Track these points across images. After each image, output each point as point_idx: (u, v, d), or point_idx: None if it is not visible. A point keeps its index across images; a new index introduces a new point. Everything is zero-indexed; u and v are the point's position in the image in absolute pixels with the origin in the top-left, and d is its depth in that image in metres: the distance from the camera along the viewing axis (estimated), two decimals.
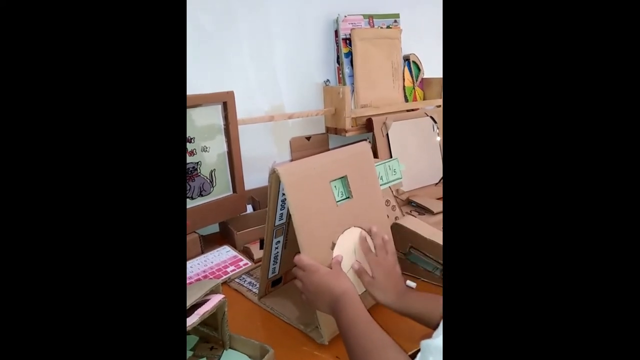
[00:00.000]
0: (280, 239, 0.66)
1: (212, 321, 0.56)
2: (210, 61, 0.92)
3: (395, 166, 0.87)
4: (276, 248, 0.67)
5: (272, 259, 0.67)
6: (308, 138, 1.08)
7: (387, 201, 0.85)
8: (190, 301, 0.50)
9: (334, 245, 0.60)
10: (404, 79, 1.18)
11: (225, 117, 0.85)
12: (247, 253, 0.85)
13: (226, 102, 0.84)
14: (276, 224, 0.64)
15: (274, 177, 0.57)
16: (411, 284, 0.73)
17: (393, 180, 0.87)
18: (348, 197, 0.64)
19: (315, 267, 0.56)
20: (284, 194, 0.58)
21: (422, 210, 0.99)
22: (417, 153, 1.08)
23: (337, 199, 0.62)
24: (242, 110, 0.89)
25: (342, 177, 0.64)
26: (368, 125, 1.05)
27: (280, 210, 0.63)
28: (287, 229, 0.66)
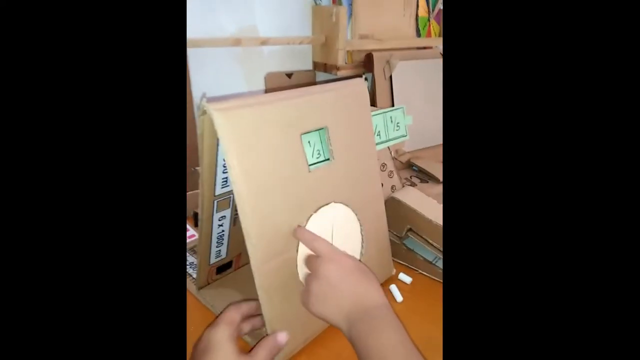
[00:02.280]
0: (227, 213, 0.46)
1: None
2: None
3: (400, 118, 0.65)
4: (220, 225, 0.47)
5: (214, 239, 0.48)
6: (289, 75, 0.85)
7: (383, 165, 0.65)
8: None
9: None
10: (417, 7, 0.96)
11: None
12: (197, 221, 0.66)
13: None
14: (218, 193, 0.43)
15: (206, 122, 0.36)
16: (406, 278, 0.55)
17: (395, 138, 0.65)
18: (327, 160, 0.44)
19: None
20: None
21: (426, 176, 0.80)
22: (426, 103, 0.87)
23: (311, 162, 0.42)
24: (195, 28, 0.67)
25: (321, 129, 0.43)
26: (367, 63, 0.84)
27: (225, 172, 0.42)
28: None
